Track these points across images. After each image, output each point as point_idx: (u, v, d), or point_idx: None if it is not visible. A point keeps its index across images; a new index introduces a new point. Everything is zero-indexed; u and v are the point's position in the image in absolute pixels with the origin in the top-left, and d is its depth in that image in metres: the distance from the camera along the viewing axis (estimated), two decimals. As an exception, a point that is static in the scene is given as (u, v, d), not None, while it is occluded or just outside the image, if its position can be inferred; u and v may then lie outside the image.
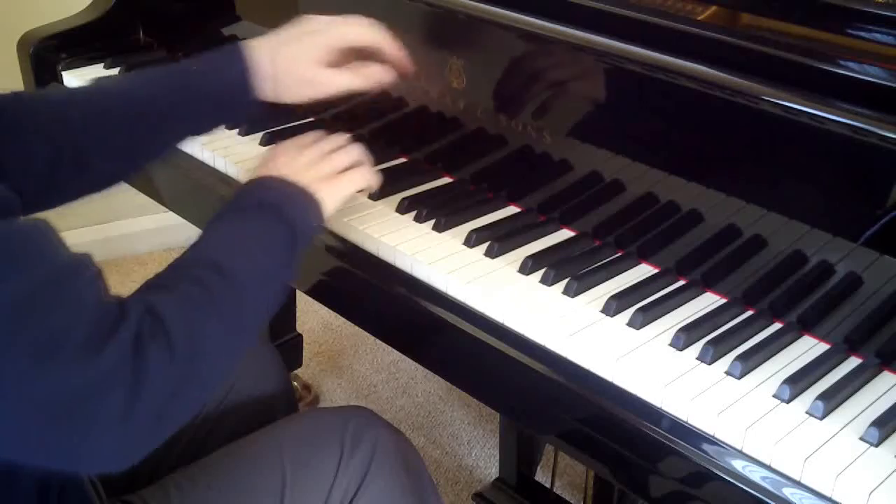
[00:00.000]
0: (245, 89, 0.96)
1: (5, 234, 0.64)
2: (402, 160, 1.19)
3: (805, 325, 0.88)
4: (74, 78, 1.46)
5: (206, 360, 0.72)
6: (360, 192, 1.02)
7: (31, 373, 0.62)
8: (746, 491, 0.74)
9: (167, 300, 0.72)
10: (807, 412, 0.78)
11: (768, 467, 0.74)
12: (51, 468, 0.72)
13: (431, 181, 1.13)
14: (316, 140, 0.99)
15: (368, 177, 0.99)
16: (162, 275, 0.79)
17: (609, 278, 0.95)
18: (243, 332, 0.79)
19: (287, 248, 0.85)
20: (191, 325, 0.72)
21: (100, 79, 1.08)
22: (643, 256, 0.98)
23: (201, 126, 1.01)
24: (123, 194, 1.23)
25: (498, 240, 0.99)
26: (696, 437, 0.77)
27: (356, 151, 1.00)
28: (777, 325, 0.89)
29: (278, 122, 1.27)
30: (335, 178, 0.95)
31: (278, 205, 0.87)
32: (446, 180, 1.14)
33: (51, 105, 0.94)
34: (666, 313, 0.90)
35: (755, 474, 0.74)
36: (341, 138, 1.01)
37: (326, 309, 1.22)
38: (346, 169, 0.97)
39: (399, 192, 1.09)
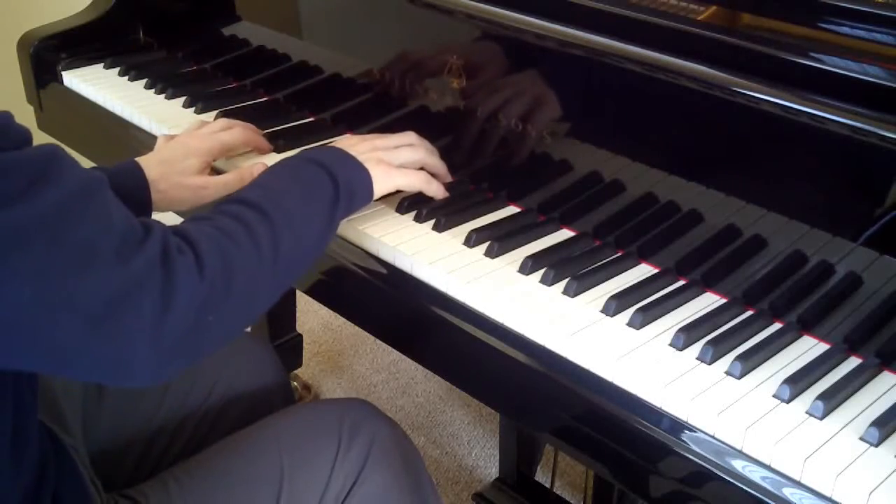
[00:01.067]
0: (143, 201, 1.02)
1: (31, 158, 0.67)
2: (402, 160, 1.19)
3: (805, 325, 0.88)
4: (74, 78, 1.46)
5: (239, 284, 0.76)
6: (430, 198, 1.06)
7: (71, 278, 0.66)
8: (746, 491, 0.74)
9: (201, 227, 0.77)
10: (807, 412, 0.78)
11: (768, 467, 0.74)
12: (89, 379, 0.78)
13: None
14: (386, 136, 1.04)
15: (427, 182, 1.03)
16: (207, 211, 0.83)
17: (609, 278, 0.95)
18: (280, 272, 0.82)
19: (329, 205, 0.90)
20: (223, 250, 0.76)
21: None
22: (643, 256, 0.98)
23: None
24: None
25: (498, 240, 0.99)
26: (696, 437, 0.77)
27: (422, 153, 1.04)
28: (777, 325, 0.89)
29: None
30: (393, 166, 1.00)
31: (327, 163, 0.92)
32: (450, 179, 1.13)
33: None
34: (666, 313, 0.90)
35: (755, 474, 0.74)
36: (411, 137, 1.06)
37: (326, 309, 1.22)
38: (409, 165, 1.02)
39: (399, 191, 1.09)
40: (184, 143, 1.09)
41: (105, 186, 0.72)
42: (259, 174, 0.93)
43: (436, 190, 1.04)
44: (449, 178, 1.10)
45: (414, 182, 1.02)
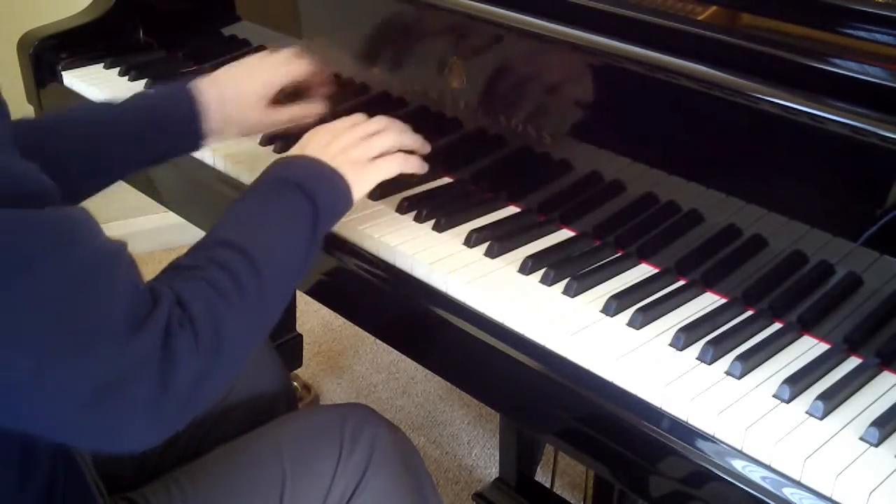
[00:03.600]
0: (193, 128, 1.04)
1: (49, 221, 0.65)
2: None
3: (805, 325, 0.88)
4: (75, 78, 1.46)
5: (230, 347, 0.75)
6: (411, 176, 1.03)
7: (74, 356, 0.64)
8: (746, 491, 0.74)
9: (194, 288, 0.75)
10: (807, 412, 0.78)
11: (768, 467, 0.74)
12: (81, 447, 0.77)
13: (431, 181, 1.13)
14: (354, 124, 0.99)
15: (402, 164, 0.99)
16: (190, 255, 0.81)
17: (609, 278, 0.95)
18: (266, 314, 0.81)
19: (310, 227, 0.87)
20: (216, 315, 0.74)
21: (79, 106, 1.20)
22: (643, 256, 0.98)
23: (145, 160, 1.06)
24: (123, 194, 1.23)
25: (498, 240, 0.99)
26: (696, 437, 0.77)
27: (393, 137, 1.00)
28: (777, 325, 0.89)
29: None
30: (367, 163, 0.96)
31: (302, 182, 0.88)
32: (446, 180, 1.13)
33: (49, 128, 1.02)
34: (666, 313, 0.90)
35: (755, 474, 0.74)
36: (380, 122, 1.01)
37: (326, 309, 1.22)
38: (382, 154, 0.98)
39: (399, 192, 1.09)
40: (246, 67, 1.10)
41: (120, 258, 0.70)
42: (238, 204, 0.88)
43: (414, 165, 1.00)
44: (427, 148, 1.05)
45: (391, 170, 0.98)
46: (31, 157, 0.76)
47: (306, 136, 0.98)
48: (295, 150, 0.97)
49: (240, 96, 1.07)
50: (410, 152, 1.02)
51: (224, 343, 0.74)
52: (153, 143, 1.04)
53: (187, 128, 1.04)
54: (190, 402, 0.71)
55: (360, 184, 0.94)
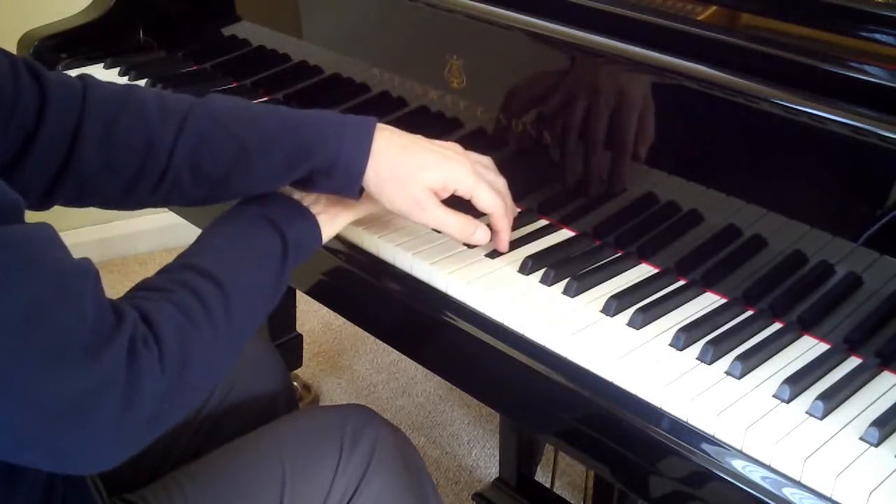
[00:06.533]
0: (358, 174, 0.89)
1: (13, 239, 0.64)
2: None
3: (805, 325, 0.88)
4: (74, 78, 1.46)
5: (196, 370, 0.74)
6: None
7: (36, 376, 0.63)
8: (746, 491, 0.74)
9: (161, 308, 0.73)
10: (807, 412, 0.78)
11: (768, 467, 0.74)
12: (41, 467, 0.74)
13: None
14: None
15: (370, 208, 0.96)
16: (159, 276, 0.79)
17: (609, 278, 0.95)
18: (232, 342, 0.80)
19: (278, 264, 0.86)
20: (182, 336, 0.73)
21: (212, 96, 0.94)
22: (643, 256, 0.98)
23: (297, 181, 0.91)
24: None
25: (498, 240, 0.99)
26: (696, 437, 0.77)
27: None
28: (777, 325, 0.89)
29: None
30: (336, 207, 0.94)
31: (275, 218, 0.88)
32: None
33: (156, 111, 0.89)
34: (666, 313, 0.90)
35: (755, 474, 0.74)
36: None
37: (326, 309, 1.22)
38: None
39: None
40: (444, 152, 0.93)
41: (84, 277, 0.68)
42: (211, 231, 0.86)
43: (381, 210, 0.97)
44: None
45: (362, 214, 0.97)
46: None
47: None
48: None
49: (399, 175, 0.90)
50: None
51: (190, 368, 0.73)
52: (296, 177, 0.90)
53: (349, 178, 0.90)
54: (151, 424, 0.70)
55: (331, 223, 0.94)
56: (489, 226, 0.95)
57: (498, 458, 1.59)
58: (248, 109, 0.93)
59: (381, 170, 0.90)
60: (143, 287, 0.78)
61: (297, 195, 0.93)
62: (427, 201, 0.91)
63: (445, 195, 0.92)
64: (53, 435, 0.66)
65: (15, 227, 0.65)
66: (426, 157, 0.91)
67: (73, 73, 1.46)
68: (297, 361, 1.90)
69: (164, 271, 0.80)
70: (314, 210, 0.92)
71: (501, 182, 0.97)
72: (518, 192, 1.08)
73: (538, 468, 1.62)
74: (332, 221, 0.94)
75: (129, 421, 0.68)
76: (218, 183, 0.89)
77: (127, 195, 0.90)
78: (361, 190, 0.91)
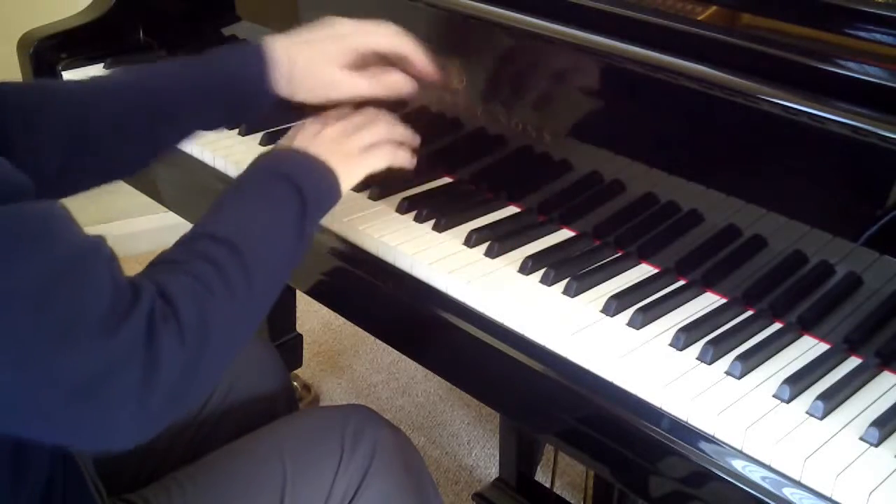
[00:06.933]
0: (262, 85, 0.95)
1: (25, 216, 0.64)
2: (402, 160, 1.19)
3: (805, 325, 0.88)
4: (75, 78, 1.46)
5: (216, 341, 0.73)
6: (400, 170, 0.99)
7: (54, 351, 0.63)
8: (746, 491, 0.74)
9: (179, 281, 0.73)
10: (807, 412, 0.78)
11: (768, 467, 0.74)
12: (70, 445, 0.75)
13: (431, 181, 1.13)
14: (342, 116, 0.97)
15: (392, 156, 0.96)
16: (175, 248, 0.79)
17: (609, 278, 0.95)
18: (254, 307, 0.80)
19: (297, 217, 0.84)
20: (202, 308, 0.72)
21: (117, 69, 1.06)
22: (643, 256, 0.98)
23: (216, 118, 0.99)
24: (123, 194, 1.23)
25: (498, 240, 0.99)
26: (696, 437, 0.77)
27: (383, 129, 0.97)
28: (777, 325, 0.89)
29: (279, 122, 1.26)
30: (356, 154, 0.93)
31: (290, 174, 0.86)
32: (446, 180, 1.14)
33: (71, 93, 0.93)
34: (666, 313, 0.90)
35: (755, 474, 0.74)
36: (368, 114, 0.99)
37: (326, 309, 1.22)
38: (372, 146, 0.95)
39: (399, 192, 1.09)
40: (332, 27, 0.99)
41: (97, 252, 0.69)
42: (226, 196, 0.86)
43: (402, 159, 0.98)
44: (417, 141, 1.02)
45: (379, 163, 0.95)
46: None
47: (293, 129, 0.97)
48: (283, 142, 0.95)
49: (312, 56, 0.96)
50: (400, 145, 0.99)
51: (211, 336, 0.72)
52: (222, 106, 0.96)
53: (257, 87, 0.95)
54: (177, 397, 0.70)
55: (349, 175, 0.92)
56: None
57: (498, 458, 1.59)
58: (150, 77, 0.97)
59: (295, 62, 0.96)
60: (159, 261, 0.78)
61: (312, 149, 0.91)
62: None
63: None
64: (75, 410, 0.66)
65: (26, 204, 0.65)
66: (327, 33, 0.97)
67: (73, 73, 1.47)
68: (297, 361, 1.91)
69: (180, 242, 0.80)
70: (329, 163, 0.90)
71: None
72: (518, 191, 1.08)
73: (538, 468, 1.62)
74: (351, 173, 0.92)
75: (150, 395, 0.68)
76: (146, 136, 0.94)
77: (62, 176, 0.90)
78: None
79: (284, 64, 0.95)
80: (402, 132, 1.00)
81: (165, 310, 0.70)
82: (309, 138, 0.93)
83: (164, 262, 0.77)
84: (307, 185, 0.86)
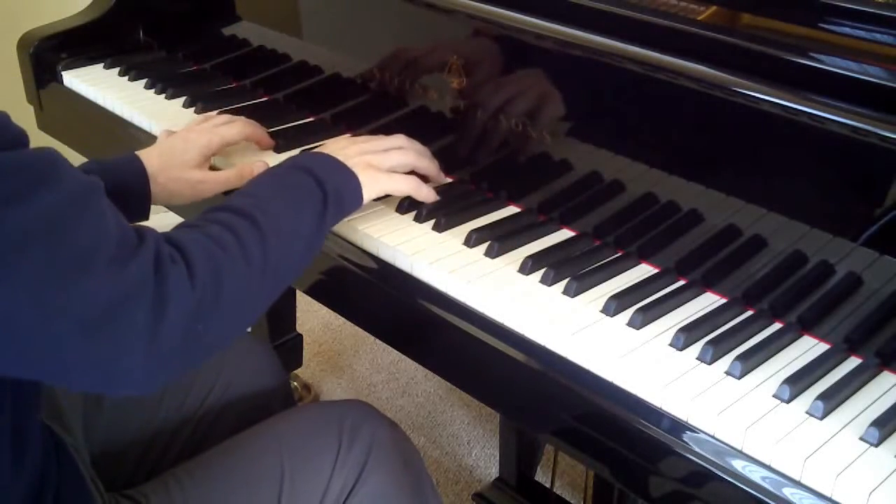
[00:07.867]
0: (144, 199, 1.03)
1: (26, 159, 0.67)
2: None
3: (805, 325, 0.88)
4: (74, 78, 1.46)
5: (229, 296, 0.76)
6: (415, 201, 1.05)
7: (69, 282, 0.66)
8: (746, 491, 0.74)
9: (192, 235, 0.77)
10: (807, 412, 0.78)
11: (768, 467, 0.74)
12: (84, 385, 0.77)
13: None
14: (375, 138, 1.04)
15: (415, 189, 1.02)
16: (196, 217, 0.84)
17: (609, 278, 0.95)
18: (269, 283, 0.82)
19: (317, 212, 0.90)
20: (212, 259, 0.76)
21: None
22: (643, 256, 0.98)
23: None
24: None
25: (498, 240, 0.99)
26: (696, 437, 0.77)
27: (411, 157, 1.04)
28: (777, 325, 0.89)
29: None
30: (381, 170, 0.99)
31: (313, 168, 0.92)
32: (446, 180, 1.13)
33: None
34: (666, 313, 0.90)
35: (755, 474, 0.74)
36: (401, 140, 1.05)
37: (326, 309, 1.22)
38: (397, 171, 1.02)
39: (399, 192, 1.09)
40: (184, 136, 1.09)
41: (101, 192, 0.72)
42: (248, 181, 0.93)
43: (426, 194, 1.03)
44: (443, 179, 1.09)
45: (402, 187, 1.01)
46: None
47: (328, 142, 1.03)
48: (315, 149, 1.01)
49: (178, 165, 1.06)
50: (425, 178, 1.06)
51: (223, 288, 0.75)
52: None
53: (140, 197, 1.03)
54: (186, 344, 0.72)
55: (371, 184, 0.97)
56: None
57: (498, 458, 1.59)
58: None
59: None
60: (178, 226, 0.82)
61: (341, 157, 0.97)
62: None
63: None
64: (89, 349, 0.68)
65: (25, 150, 0.67)
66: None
67: (73, 73, 1.47)
68: (297, 361, 1.90)
69: (203, 212, 0.84)
70: (354, 171, 0.96)
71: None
72: (518, 191, 1.08)
73: (538, 468, 1.62)
74: (373, 183, 0.98)
75: (161, 333, 0.70)
76: None
77: None
78: None
79: (158, 175, 1.04)
80: (429, 165, 1.06)
81: (174, 253, 0.74)
82: (339, 149, 0.99)
83: (182, 226, 0.81)
84: (329, 182, 0.92)
